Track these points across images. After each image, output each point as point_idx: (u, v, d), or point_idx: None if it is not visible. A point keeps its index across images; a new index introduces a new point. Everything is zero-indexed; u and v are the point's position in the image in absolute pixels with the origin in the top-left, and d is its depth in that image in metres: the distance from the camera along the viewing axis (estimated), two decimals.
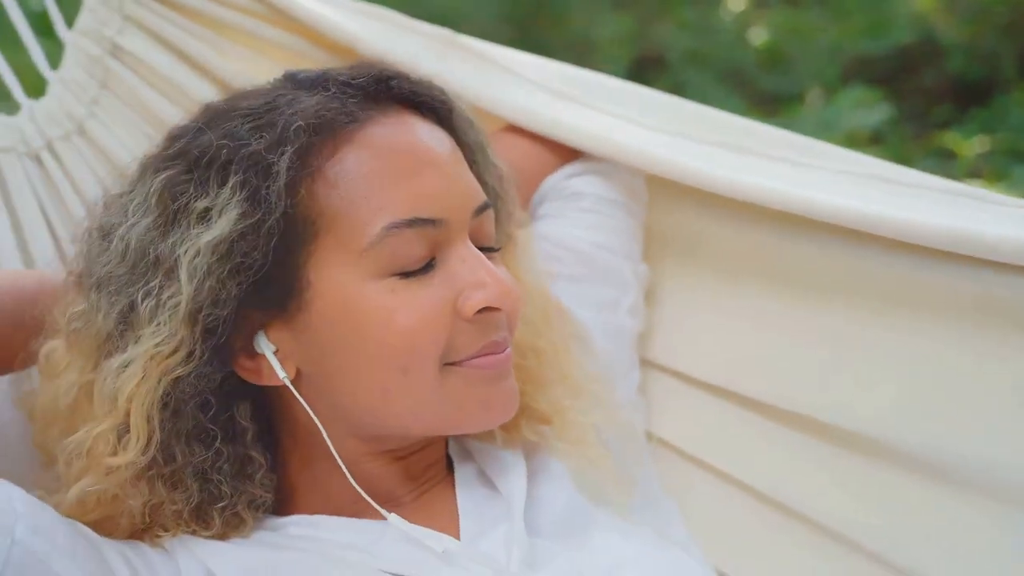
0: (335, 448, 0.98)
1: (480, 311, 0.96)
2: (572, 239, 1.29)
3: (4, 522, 0.86)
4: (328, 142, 0.96)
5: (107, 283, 0.97)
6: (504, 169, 1.10)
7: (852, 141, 4.25)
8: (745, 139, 1.29)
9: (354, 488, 0.99)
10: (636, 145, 1.28)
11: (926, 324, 1.16)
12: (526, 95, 1.35)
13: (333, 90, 0.99)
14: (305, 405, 0.98)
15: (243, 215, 0.93)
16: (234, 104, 1.01)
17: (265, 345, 0.97)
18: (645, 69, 5.34)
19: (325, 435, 0.97)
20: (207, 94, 1.33)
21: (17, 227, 1.25)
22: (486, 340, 0.97)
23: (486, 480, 1.05)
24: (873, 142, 4.40)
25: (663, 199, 1.35)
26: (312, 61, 1.38)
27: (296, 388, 0.98)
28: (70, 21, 1.36)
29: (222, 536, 0.99)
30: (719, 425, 1.30)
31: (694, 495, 1.29)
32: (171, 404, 0.95)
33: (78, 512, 0.96)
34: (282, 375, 0.97)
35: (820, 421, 1.22)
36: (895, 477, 1.17)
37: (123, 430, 0.94)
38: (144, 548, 0.98)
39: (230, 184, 0.94)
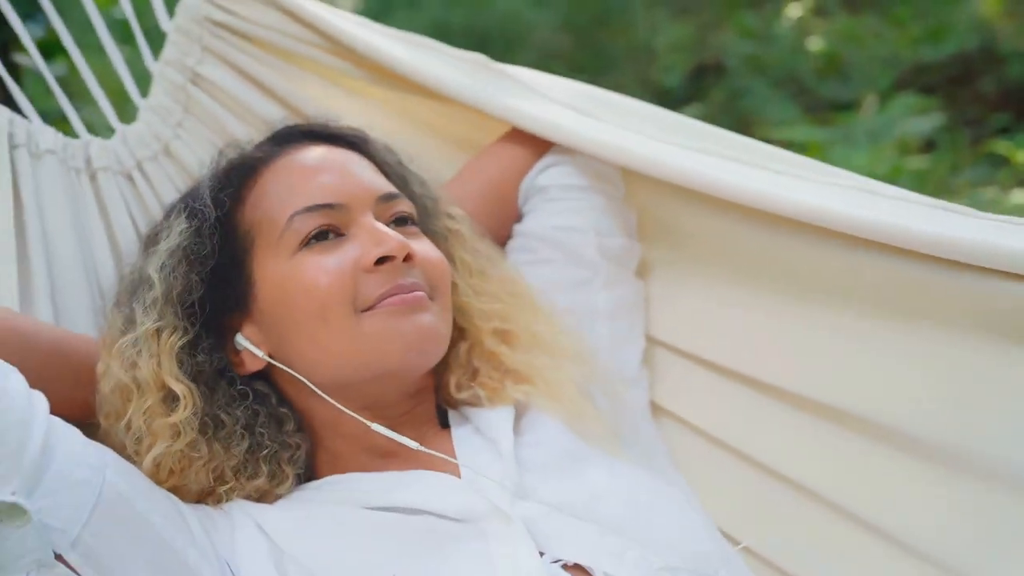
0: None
1: (380, 262, 1.17)
2: (541, 228, 1.45)
3: (98, 466, 1.04)
4: (250, 177, 1.25)
5: (117, 304, 1.25)
6: (427, 178, 1.35)
7: (904, 148, 4.30)
8: (752, 156, 1.39)
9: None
10: (640, 152, 1.39)
11: (924, 324, 1.27)
12: (541, 107, 1.49)
13: (262, 143, 1.32)
14: (289, 371, 1.19)
15: (187, 227, 1.22)
16: None
17: (241, 339, 1.21)
18: (704, 76, 5.41)
19: (316, 388, 1.17)
20: (277, 116, 1.49)
21: (112, 239, 1.43)
22: (391, 284, 1.17)
23: (480, 434, 1.22)
24: (926, 148, 4.44)
25: (658, 196, 1.46)
26: (364, 82, 1.55)
27: (272, 368, 1.21)
28: (156, 54, 1.53)
29: (268, 495, 1.18)
30: (712, 395, 1.43)
31: (692, 460, 1.42)
32: (200, 379, 1.17)
33: (154, 480, 1.15)
34: (260, 354, 1.20)
35: (805, 397, 1.34)
36: (881, 451, 1.29)
37: (169, 397, 1.16)
38: (206, 508, 1.16)
39: (176, 210, 1.26)
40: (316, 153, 1.27)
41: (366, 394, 1.19)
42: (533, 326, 1.30)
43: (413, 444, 1.15)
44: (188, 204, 1.25)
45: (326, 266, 1.17)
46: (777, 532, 1.35)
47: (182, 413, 1.14)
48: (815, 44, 5.48)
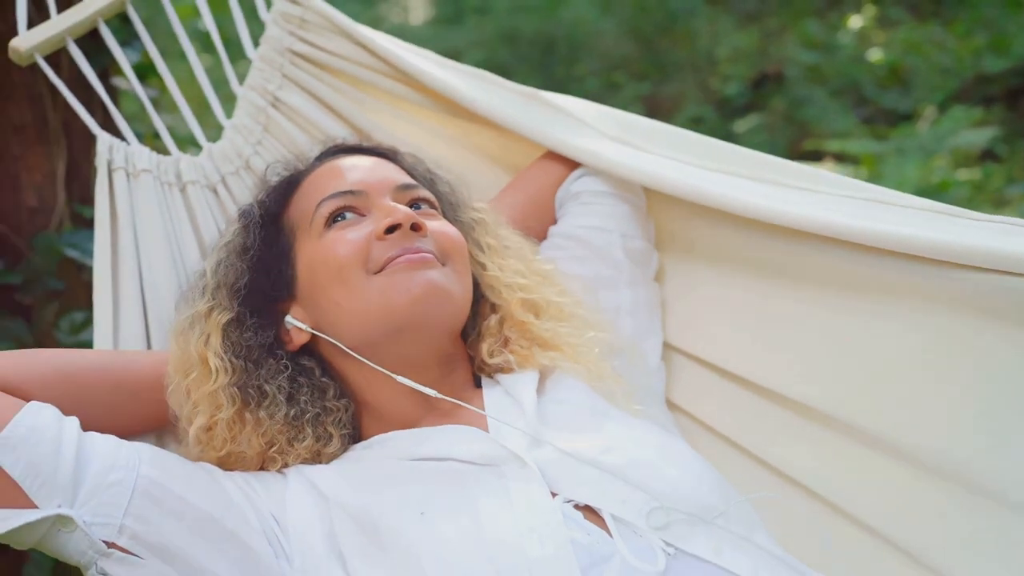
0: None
1: (390, 231, 1.33)
2: (571, 228, 1.60)
3: (131, 464, 1.22)
4: (295, 186, 1.46)
5: (183, 297, 1.44)
6: (452, 180, 1.54)
7: (963, 159, 4.33)
8: (772, 173, 1.50)
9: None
10: (661, 172, 1.53)
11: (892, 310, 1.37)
12: (574, 134, 1.63)
13: (310, 158, 1.53)
14: (324, 336, 1.35)
15: (238, 226, 1.44)
16: None
17: (290, 319, 1.38)
18: (764, 85, 5.46)
19: (348, 349, 1.33)
20: (349, 139, 1.64)
21: (201, 245, 1.58)
22: (400, 247, 1.33)
23: (509, 394, 1.36)
24: (987, 159, 4.47)
25: (676, 211, 1.60)
26: (428, 110, 1.70)
27: (317, 342, 1.37)
28: (241, 79, 1.70)
29: (320, 455, 1.34)
30: (720, 395, 1.55)
31: (699, 451, 1.50)
32: (249, 356, 1.34)
33: (209, 448, 1.33)
34: (303, 326, 1.37)
35: (810, 406, 1.45)
36: (880, 459, 1.39)
37: (211, 369, 1.33)
38: (264, 474, 1.33)
39: (234, 218, 1.49)
40: (348, 159, 1.47)
41: (395, 353, 1.33)
42: (556, 298, 1.45)
43: (432, 392, 1.30)
44: (242, 210, 1.47)
45: (345, 238, 1.34)
46: (779, 525, 1.42)
47: (216, 383, 1.31)
48: (876, 55, 5.49)
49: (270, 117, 1.68)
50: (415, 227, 1.34)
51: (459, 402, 1.32)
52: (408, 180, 1.43)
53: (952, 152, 4.20)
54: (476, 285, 1.44)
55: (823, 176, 1.49)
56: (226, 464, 1.33)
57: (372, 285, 1.32)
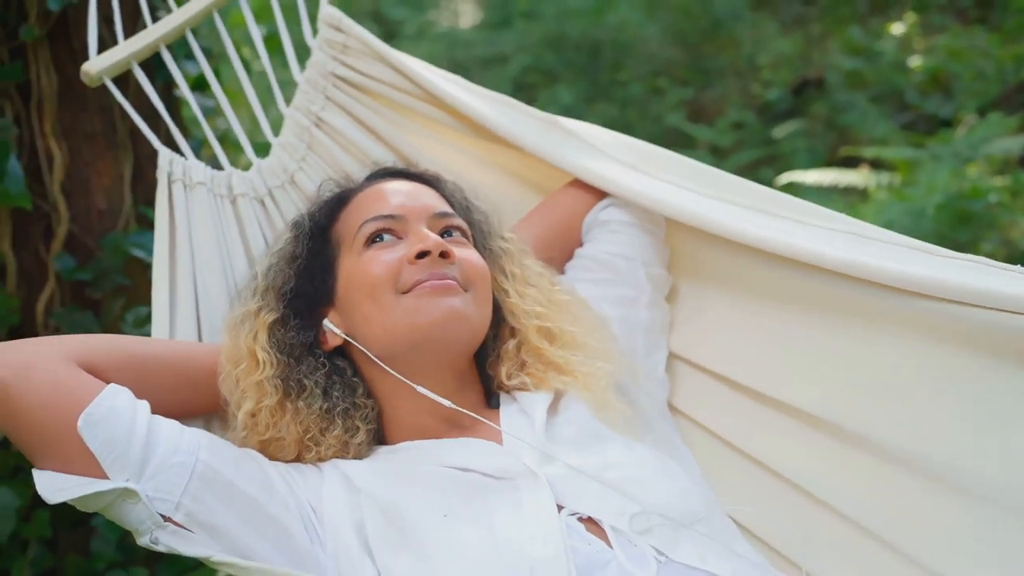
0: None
1: (420, 256, 1.47)
2: (599, 253, 1.74)
3: (192, 449, 1.36)
4: (345, 203, 1.60)
5: (237, 295, 1.60)
6: (486, 211, 1.67)
7: (996, 165, 4.37)
8: (770, 205, 1.63)
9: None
10: (675, 202, 1.66)
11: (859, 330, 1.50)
12: (595, 161, 1.77)
13: (359, 178, 1.68)
14: (361, 347, 1.48)
15: (290, 235, 1.59)
16: None
17: (327, 323, 1.53)
18: (805, 90, 5.47)
19: (375, 357, 1.47)
20: (383, 156, 1.80)
21: (248, 252, 1.73)
22: (428, 273, 1.47)
23: (523, 412, 1.50)
24: (1020, 165, 4.49)
25: (688, 237, 1.73)
26: (459, 132, 1.84)
27: (350, 346, 1.50)
28: (288, 100, 1.85)
29: (346, 445, 1.47)
30: (720, 401, 1.69)
31: (697, 454, 1.66)
32: (292, 352, 1.49)
33: (253, 433, 1.46)
34: (338, 332, 1.51)
35: (801, 409, 1.57)
36: (868, 461, 1.50)
37: (258, 362, 1.48)
38: (302, 466, 1.47)
39: (287, 227, 1.63)
40: (393, 183, 1.61)
41: (415, 365, 1.47)
42: (569, 327, 1.58)
43: (447, 403, 1.44)
44: (294, 221, 1.63)
45: (381, 258, 1.49)
46: (771, 519, 1.57)
47: (262, 374, 1.46)
48: (918, 61, 5.49)
49: (314, 136, 1.83)
50: (444, 255, 1.48)
51: (478, 417, 1.46)
52: (445, 208, 1.57)
53: (988, 159, 4.25)
54: (498, 309, 1.57)
55: (812, 209, 1.62)
56: (267, 449, 1.47)
57: (399, 304, 1.46)
